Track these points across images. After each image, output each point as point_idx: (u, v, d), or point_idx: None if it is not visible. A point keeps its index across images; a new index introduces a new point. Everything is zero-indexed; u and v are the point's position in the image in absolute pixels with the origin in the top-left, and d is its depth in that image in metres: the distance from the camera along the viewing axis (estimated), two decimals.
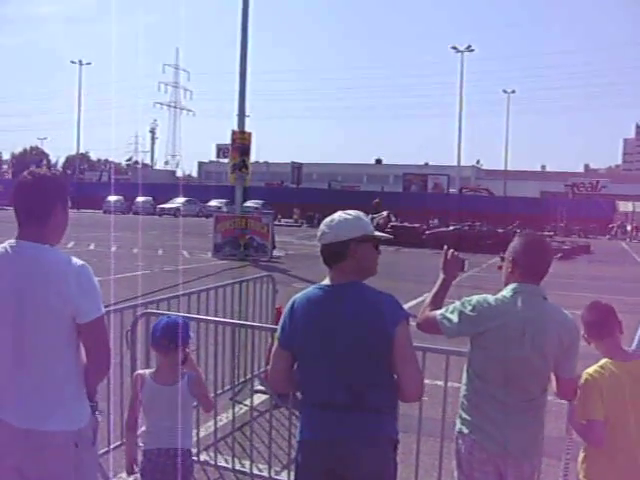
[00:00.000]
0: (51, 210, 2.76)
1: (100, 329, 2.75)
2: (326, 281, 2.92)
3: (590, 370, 3.23)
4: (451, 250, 3.45)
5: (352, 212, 2.94)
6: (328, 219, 2.94)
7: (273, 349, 3.04)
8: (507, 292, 3.14)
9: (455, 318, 3.11)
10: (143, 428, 3.94)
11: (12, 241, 2.72)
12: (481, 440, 3.10)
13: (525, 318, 3.04)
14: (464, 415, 3.19)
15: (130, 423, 3.83)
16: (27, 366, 2.66)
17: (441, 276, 3.43)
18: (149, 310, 5.10)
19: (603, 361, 3.26)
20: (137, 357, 4.88)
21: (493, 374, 3.10)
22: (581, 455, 3.33)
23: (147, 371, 3.78)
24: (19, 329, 2.65)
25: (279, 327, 2.97)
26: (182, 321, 3.82)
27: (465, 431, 3.16)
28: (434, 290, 3.40)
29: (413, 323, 3.03)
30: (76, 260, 2.72)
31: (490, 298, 3.13)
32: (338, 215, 2.92)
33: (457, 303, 3.17)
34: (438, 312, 3.21)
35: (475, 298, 3.14)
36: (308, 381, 2.91)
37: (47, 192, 2.77)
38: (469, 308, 3.10)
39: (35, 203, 2.74)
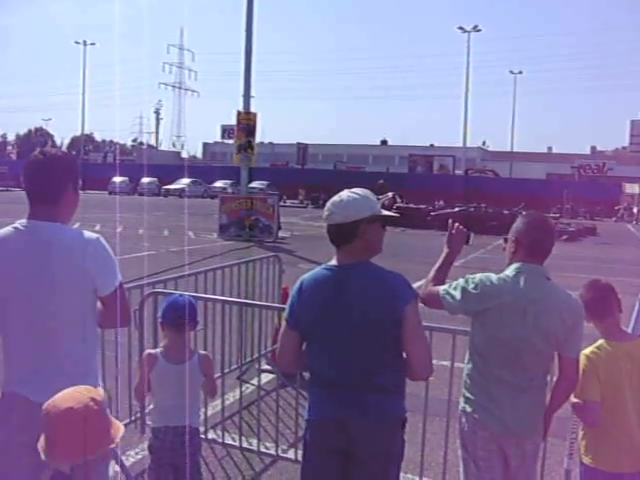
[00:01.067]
0: (63, 190, 2.78)
1: (121, 297, 2.80)
2: (333, 261, 2.90)
3: (586, 351, 3.24)
4: (456, 224, 3.46)
5: (360, 191, 2.91)
6: (336, 199, 2.90)
7: (281, 329, 3.04)
8: (510, 271, 3.15)
9: (458, 295, 3.12)
10: (151, 406, 3.98)
11: (23, 221, 2.73)
12: (484, 419, 3.12)
13: (527, 297, 3.05)
14: (467, 394, 3.21)
15: (139, 398, 3.88)
16: (47, 342, 2.70)
17: (445, 250, 3.45)
18: (157, 289, 5.13)
19: (600, 342, 3.29)
20: (145, 336, 4.92)
21: (494, 353, 3.12)
22: (580, 433, 3.37)
23: (158, 350, 3.80)
24: (38, 306, 2.68)
25: (287, 308, 2.97)
26: (191, 300, 3.85)
27: (468, 410, 3.18)
28: (438, 264, 3.41)
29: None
30: (90, 234, 2.76)
31: (493, 277, 3.14)
32: (346, 195, 2.89)
33: (461, 280, 3.18)
34: (442, 287, 3.22)
35: (478, 276, 3.16)
36: (317, 361, 2.91)
37: (59, 172, 2.79)
38: (472, 285, 3.12)
39: (47, 182, 2.76)
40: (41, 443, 2.04)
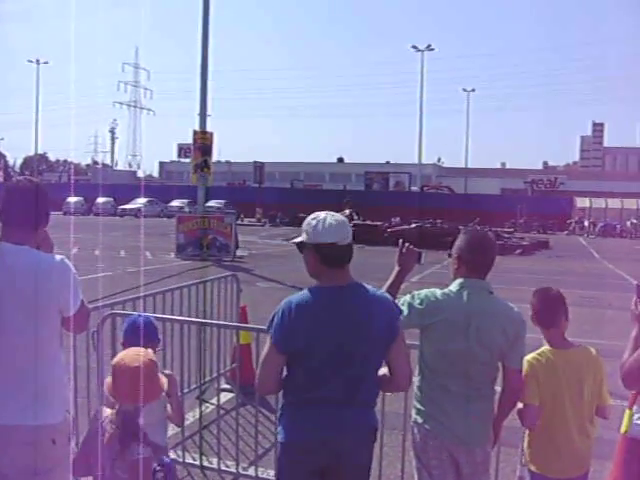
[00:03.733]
0: (42, 216, 2.87)
1: (82, 315, 2.92)
2: (324, 283, 2.90)
3: (528, 357, 3.37)
4: (406, 244, 3.56)
5: (333, 214, 2.99)
6: (341, 219, 2.95)
7: (264, 354, 2.90)
8: (454, 287, 3.28)
9: (405, 310, 3.22)
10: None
11: None
12: (434, 429, 3.22)
13: (470, 312, 3.17)
14: (418, 405, 3.32)
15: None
16: (9, 363, 2.72)
17: (396, 268, 3.54)
18: (115, 311, 5.12)
19: (542, 348, 3.42)
20: (104, 359, 4.90)
21: (441, 365, 3.23)
22: (526, 440, 3.48)
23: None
24: (4, 328, 2.72)
25: (273, 331, 2.85)
26: (150, 319, 3.88)
27: (419, 421, 3.29)
28: (389, 282, 3.50)
29: None
30: (54, 256, 2.83)
31: (437, 292, 3.26)
32: (337, 217, 2.96)
33: (407, 296, 3.29)
34: None
35: (424, 292, 3.28)
36: (302, 382, 2.86)
37: (38, 199, 2.88)
38: (417, 301, 3.24)
39: (30, 209, 2.84)
40: (109, 389, 2.85)
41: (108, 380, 2.88)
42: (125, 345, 3.78)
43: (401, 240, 3.61)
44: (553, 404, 3.32)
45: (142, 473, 2.81)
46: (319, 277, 2.92)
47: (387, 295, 3.03)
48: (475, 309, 3.18)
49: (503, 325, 3.18)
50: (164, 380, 2.95)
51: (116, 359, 2.88)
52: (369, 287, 2.96)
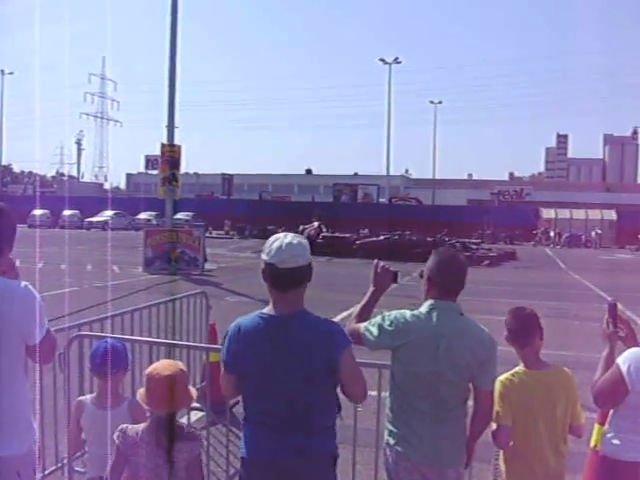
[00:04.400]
0: (7, 242, 2.81)
1: (48, 346, 2.84)
2: (271, 309, 2.93)
3: (502, 377, 3.38)
4: (381, 263, 3.54)
5: (297, 236, 2.98)
6: (291, 241, 2.90)
7: (221, 370, 3.07)
8: (424, 308, 3.28)
9: (375, 331, 3.24)
10: (79, 453, 3.90)
11: None
12: (405, 450, 3.22)
13: (439, 333, 3.17)
14: (389, 427, 3.32)
15: (70, 452, 3.80)
16: None
17: (371, 288, 3.53)
18: (82, 332, 5.04)
19: (516, 369, 3.44)
20: (71, 380, 4.82)
21: (411, 386, 3.24)
22: (501, 458, 3.50)
23: (88, 397, 3.75)
24: None
25: (223, 351, 3.01)
26: (121, 345, 3.83)
27: (391, 442, 3.28)
28: (363, 302, 3.50)
29: None
30: (17, 283, 2.77)
31: (407, 314, 3.26)
32: (296, 239, 2.93)
33: (378, 317, 3.30)
34: (362, 325, 3.32)
35: (394, 313, 3.28)
36: (251, 402, 2.98)
37: (8, 224, 2.84)
38: (387, 322, 3.24)
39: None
40: (142, 396, 3.02)
41: (141, 391, 3.05)
42: (93, 371, 3.73)
43: (375, 261, 3.59)
44: (526, 424, 3.33)
45: (196, 467, 3.12)
46: (271, 298, 2.96)
47: (332, 326, 2.97)
48: (444, 330, 3.18)
49: (472, 347, 3.18)
50: (193, 390, 3.16)
51: (149, 369, 3.10)
52: (314, 317, 2.94)
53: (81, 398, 3.79)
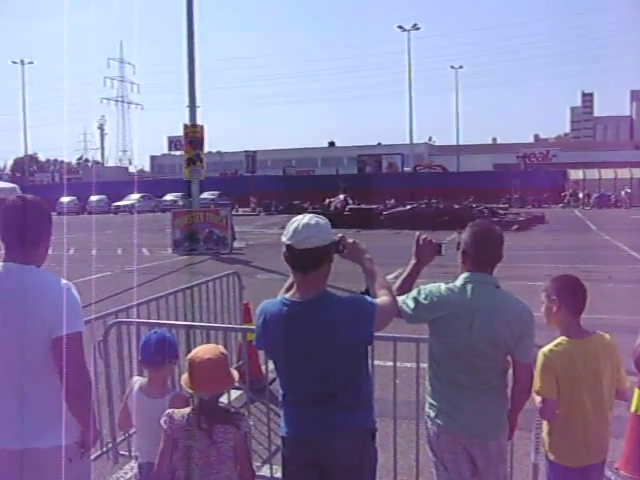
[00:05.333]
0: (42, 234, 2.84)
1: (73, 346, 2.72)
2: (293, 293, 2.92)
3: (545, 349, 3.34)
4: (423, 236, 3.48)
5: (316, 216, 2.94)
6: (309, 222, 2.84)
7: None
8: (459, 281, 3.26)
9: (412, 304, 3.23)
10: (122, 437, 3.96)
11: None
12: (446, 423, 3.23)
13: (474, 307, 3.15)
14: (430, 400, 3.33)
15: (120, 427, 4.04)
16: (13, 388, 2.70)
17: (412, 261, 3.48)
18: (119, 319, 5.10)
19: (558, 339, 3.37)
20: (111, 366, 4.89)
21: (449, 360, 3.23)
22: (545, 429, 3.48)
23: (141, 380, 3.81)
24: (3, 350, 2.70)
25: (255, 331, 3.11)
26: (171, 335, 3.90)
27: (432, 415, 3.29)
28: (404, 274, 3.47)
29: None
30: (61, 281, 2.78)
31: (442, 287, 3.25)
32: (314, 219, 2.88)
33: (414, 291, 3.29)
34: (401, 298, 3.29)
35: (429, 287, 3.27)
36: (286, 382, 3.01)
37: (39, 217, 2.85)
38: (423, 296, 3.24)
39: (28, 227, 2.80)
40: (185, 380, 3.08)
41: (184, 376, 3.13)
42: (143, 362, 3.78)
43: (417, 233, 3.51)
44: (571, 394, 3.29)
45: (243, 447, 3.14)
46: (295, 281, 2.96)
47: (358, 300, 2.96)
48: (479, 304, 3.16)
49: (509, 320, 3.15)
50: (235, 373, 3.21)
51: (191, 355, 3.16)
52: (338, 297, 2.91)
53: (135, 379, 3.87)
